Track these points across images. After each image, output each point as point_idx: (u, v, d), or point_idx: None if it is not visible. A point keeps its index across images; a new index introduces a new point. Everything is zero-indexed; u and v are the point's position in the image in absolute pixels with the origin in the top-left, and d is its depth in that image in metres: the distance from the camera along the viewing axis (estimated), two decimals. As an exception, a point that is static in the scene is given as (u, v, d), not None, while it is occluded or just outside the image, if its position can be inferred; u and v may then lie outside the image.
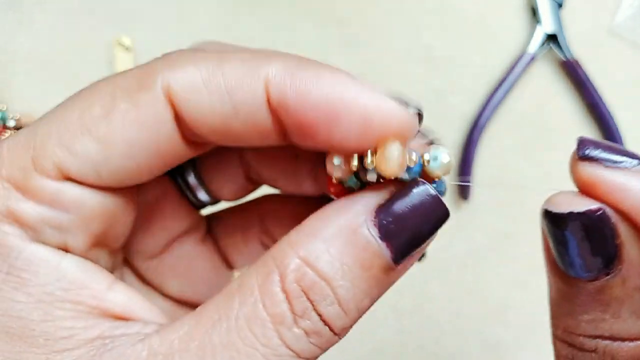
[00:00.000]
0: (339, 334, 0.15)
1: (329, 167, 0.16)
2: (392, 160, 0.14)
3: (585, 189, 0.14)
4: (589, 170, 0.14)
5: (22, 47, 0.36)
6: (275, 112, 0.15)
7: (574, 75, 0.41)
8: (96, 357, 0.14)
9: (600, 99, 0.40)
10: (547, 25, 0.40)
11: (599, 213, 0.14)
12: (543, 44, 0.41)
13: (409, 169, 0.15)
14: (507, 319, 0.39)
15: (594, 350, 0.15)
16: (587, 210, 0.14)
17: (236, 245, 0.22)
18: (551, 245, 0.15)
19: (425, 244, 0.15)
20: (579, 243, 0.14)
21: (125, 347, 0.15)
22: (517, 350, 0.39)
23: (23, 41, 0.36)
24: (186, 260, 0.21)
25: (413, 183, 0.15)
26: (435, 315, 0.38)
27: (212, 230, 0.23)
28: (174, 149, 0.16)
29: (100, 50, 0.36)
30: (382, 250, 0.14)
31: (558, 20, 0.41)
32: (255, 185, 0.21)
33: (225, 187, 0.21)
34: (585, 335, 0.15)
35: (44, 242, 0.15)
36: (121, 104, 0.15)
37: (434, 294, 0.38)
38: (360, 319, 0.39)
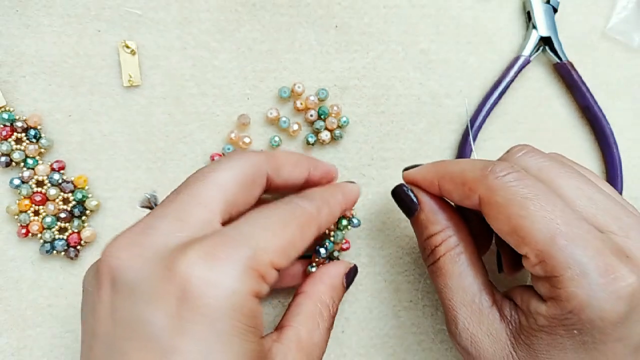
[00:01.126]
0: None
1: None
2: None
3: (405, 179, 0.33)
4: (404, 173, 0.33)
5: (28, 50, 0.37)
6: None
7: (568, 77, 0.41)
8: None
9: (594, 101, 0.41)
10: (541, 29, 0.41)
11: (403, 186, 0.33)
12: (537, 47, 0.41)
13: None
14: (502, 316, 0.39)
15: (425, 247, 0.32)
16: (398, 186, 0.33)
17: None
18: (399, 206, 0.33)
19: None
20: (403, 200, 0.33)
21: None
22: (511, 346, 0.39)
23: (29, 44, 0.37)
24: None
25: (353, 266, 0.34)
26: (433, 311, 0.39)
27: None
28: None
29: (106, 54, 0.37)
30: (344, 289, 0.33)
31: (552, 24, 0.41)
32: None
33: None
34: (422, 241, 0.32)
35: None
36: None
37: (432, 290, 0.39)
38: (359, 316, 0.41)
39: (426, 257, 0.32)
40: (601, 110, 0.41)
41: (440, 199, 0.31)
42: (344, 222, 0.35)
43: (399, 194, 0.32)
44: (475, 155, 0.40)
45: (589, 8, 0.43)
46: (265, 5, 0.39)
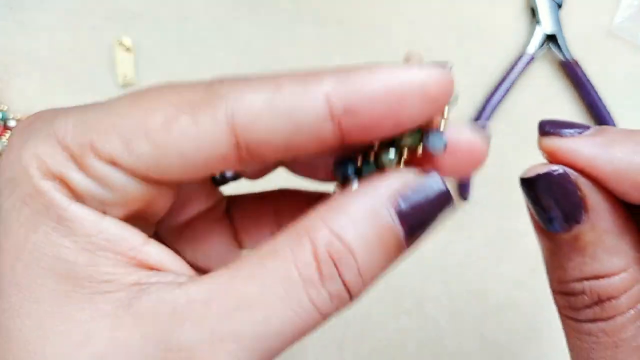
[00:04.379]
0: (353, 298, 0.17)
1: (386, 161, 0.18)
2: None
3: (549, 157, 0.18)
4: (548, 142, 0.18)
5: (22, 48, 0.36)
6: (338, 121, 0.16)
7: (573, 75, 0.41)
8: (135, 300, 0.16)
9: (599, 99, 0.41)
10: (546, 26, 0.41)
11: (559, 172, 0.17)
12: (542, 44, 0.41)
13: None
14: (507, 319, 0.39)
15: (583, 292, 0.18)
16: (549, 170, 0.17)
17: (249, 230, 0.24)
18: (531, 208, 0.18)
19: (431, 228, 0.17)
20: (550, 199, 0.17)
21: (163, 292, 0.17)
22: (516, 350, 0.39)
23: (24, 42, 0.36)
24: (202, 234, 0.23)
25: (428, 176, 0.17)
26: (435, 314, 0.38)
27: (230, 210, 0.24)
28: (225, 165, 0.18)
29: (101, 51, 0.37)
30: (398, 230, 0.17)
31: (557, 21, 0.41)
32: (274, 166, 0.23)
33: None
34: (573, 280, 0.18)
35: (87, 205, 0.17)
36: (182, 118, 0.16)
37: (434, 294, 0.38)
38: (359, 320, 0.40)
39: (577, 306, 0.19)
40: (606, 108, 0.41)
41: (620, 204, 0.18)
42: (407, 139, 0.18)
43: (551, 187, 0.18)
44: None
45: (594, 5, 0.43)
46: (264, 0, 0.38)
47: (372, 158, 0.18)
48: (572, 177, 0.17)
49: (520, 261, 0.39)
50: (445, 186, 0.17)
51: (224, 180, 0.23)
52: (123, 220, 0.18)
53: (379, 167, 0.18)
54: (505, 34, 0.41)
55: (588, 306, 0.18)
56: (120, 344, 0.16)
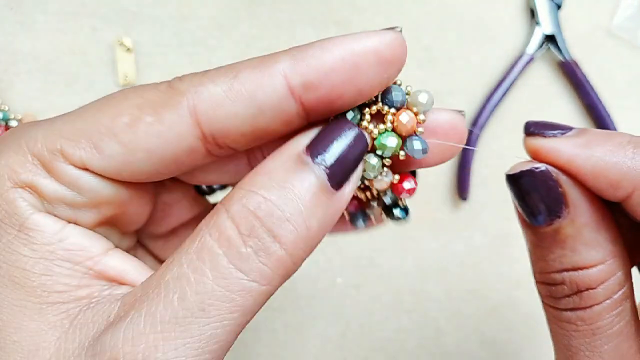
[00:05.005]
0: (289, 250, 0.16)
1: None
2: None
3: (533, 156, 0.19)
4: (532, 142, 0.19)
5: (23, 48, 0.36)
6: (300, 97, 0.17)
7: (572, 76, 0.41)
8: (80, 313, 0.17)
9: (599, 99, 0.40)
10: (545, 26, 0.40)
11: (541, 169, 0.18)
12: (541, 44, 0.41)
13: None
14: (506, 319, 0.39)
15: (563, 282, 0.19)
16: (532, 168, 0.18)
17: None
18: (516, 203, 0.19)
19: (354, 172, 0.17)
20: (532, 195, 0.18)
21: (103, 305, 0.17)
22: (516, 349, 0.39)
23: (24, 42, 0.36)
24: None
25: (335, 118, 0.18)
26: (434, 314, 0.38)
27: None
28: (194, 159, 0.18)
29: (102, 51, 0.37)
30: (318, 172, 0.17)
31: (556, 21, 0.41)
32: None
33: (231, 172, 0.22)
34: (553, 271, 0.19)
35: (55, 215, 0.17)
36: (146, 117, 0.17)
37: (434, 293, 0.38)
38: (360, 318, 0.40)
39: (557, 295, 0.20)
40: (605, 109, 0.41)
41: (599, 200, 0.19)
42: (390, 138, 0.18)
43: (534, 183, 0.18)
44: (477, 154, 0.40)
45: (594, 5, 0.43)
46: (264, 1, 0.38)
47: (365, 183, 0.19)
48: (554, 174, 0.18)
49: (520, 261, 0.39)
50: (353, 124, 0.17)
51: (211, 190, 0.23)
52: (98, 226, 0.18)
53: (367, 186, 0.19)
54: (504, 34, 0.41)
55: (567, 296, 0.19)
56: (63, 356, 0.16)
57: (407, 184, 0.19)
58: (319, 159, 0.17)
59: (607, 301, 0.19)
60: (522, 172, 0.18)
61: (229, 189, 0.23)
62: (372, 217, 0.20)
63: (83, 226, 0.18)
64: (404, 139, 0.18)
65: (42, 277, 0.17)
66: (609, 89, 0.42)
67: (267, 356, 0.36)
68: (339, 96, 0.17)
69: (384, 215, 0.20)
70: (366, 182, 0.19)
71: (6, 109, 0.35)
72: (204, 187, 0.23)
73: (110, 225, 0.19)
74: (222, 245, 0.16)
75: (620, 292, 0.19)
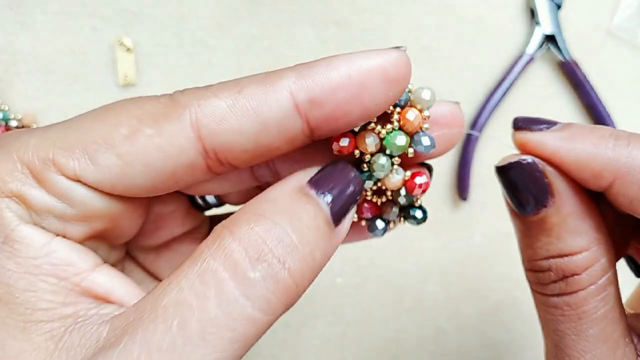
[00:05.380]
0: (296, 279, 0.16)
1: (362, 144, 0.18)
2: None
3: (521, 149, 0.20)
4: (520, 135, 0.20)
5: (23, 48, 0.36)
6: (304, 113, 0.17)
7: (572, 76, 0.41)
8: (66, 334, 0.16)
9: (598, 99, 0.41)
10: (545, 26, 0.40)
11: (528, 161, 0.19)
12: (541, 44, 0.41)
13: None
14: (506, 319, 0.39)
15: (549, 269, 0.20)
16: (519, 160, 0.19)
17: None
18: (505, 193, 0.20)
19: (351, 207, 0.18)
20: (520, 185, 0.19)
21: (91, 326, 0.16)
22: (516, 349, 0.39)
23: (25, 42, 0.36)
24: (183, 257, 0.22)
25: (335, 161, 0.18)
26: (434, 314, 0.38)
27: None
28: (194, 175, 0.17)
29: (102, 51, 0.37)
30: (323, 205, 0.17)
31: (556, 21, 0.41)
32: (262, 189, 0.22)
33: (233, 191, 0.22)
34: (540, 259, 0.20)
35: (43, 227, 0.17)
36: (146, 129, 0.16)
37: (433, 293, 0.38)
38: (360, 319, 0.40)
39: (544, 281, 0.20)
40: (605, 109, 0.41)
41: (583, 191, 0.20)
42: (398, 137, 0.18)
43: (521, 174, 0.19)
44: (477, 154, 0.40)
45: (594, 5, 0.43)
46: (264, 1, 0.38)
47: (366, 168, 0.19)
48: (540, 165, 0.19)
49: (519, 261, 0.39)
50: (350, 167, 0.18)
51: (207, 205, 0.22)
52: (87, 239, 0.18)
53: (376, 178, 0.19)
54: (504, 34, 0.41)
55: (554, 282, 0.20)
56: None
57: (420, 179, 0.19)
58: (322, 193, 0.17)
59: (592, 287, 0.19)
60: (510, 163, 0.19)
61: (226, 205, 0.23)
62: (389, 222, 0.20)
63: (72, 239, 0.17)
64: (411, 136, 0.18)
65: (26, 293, 0.16)
66: (609, 88, 0.42)
67: (267, 356, 0.36)
68: (344, 113, 0.17)
69: (402, 219, 0.21)
70: (379, 184, 0.19)
71: (6, 108, 0.35)
72: (199, 200, 0.22)
73: (100, 239, 0.19)
74: (228, 269, 0.15)
75: (604, 278, 0.19)
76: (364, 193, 0.20)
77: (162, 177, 0.17)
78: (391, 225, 0.21)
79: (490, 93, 0.40)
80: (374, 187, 0.19)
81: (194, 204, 0.22)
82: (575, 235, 0.19)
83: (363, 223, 0.21)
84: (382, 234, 0.21)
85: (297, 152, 0.20)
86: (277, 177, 0.21)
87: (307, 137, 0.17)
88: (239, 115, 0.16)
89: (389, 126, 0.18)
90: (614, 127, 0.40)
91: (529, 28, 0.41)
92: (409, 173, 0.19)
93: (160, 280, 0.22)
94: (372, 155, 0.19)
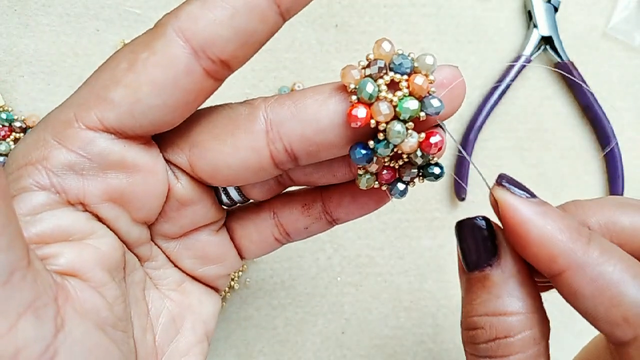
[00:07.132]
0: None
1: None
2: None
3: (495, 205, 0.20)
4: (499, 193, 0.20)
5: (27, 50, 0.36)
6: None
7: (569, 77, 0.41)
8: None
9: (595, 100, 0.41)
10: (542, 28, 0.41)
11: (482, 221, 0.21)
12: (538, 46, 0.41)
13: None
14: (503, 317, 0.39)
15: (483, 327, 0.20)
16: (475, 218, 0.21)
17: (250, 237, 0.24)
18: (458, 249, 0.21)
19: None
20: (470, 242, 0.21)
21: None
22: (512, 347, 0.39)
23: (28, 43, 0.37)
24: (201, 246, 0.24)
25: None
26: (433, 311, 0.38)
27: (228, 221, 0.25)
28: (195, 82, 0.19)
29: (105, 53, 0.37)
30: None
31: (553, 23, 0.41)
32: (284, 187, 0.24)
33: (257, 187, 0.23)
34: (477, 315, 0.20)
35: (64, 187, 0.19)
36: (141, 55, 0.18)
37: (432, 291, 0.39)
38: (359, 317, 0.40)
39: (477, 340, 0.21)
40: (602, 110, 0.41)
41: (526, 266, 0.21)
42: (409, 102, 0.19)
43: (473, 233, 0.21)
44: (474, 155, 0.40)
45: (590, 7, 0.43)
46: (265, 4, 0.39)
47: (382, 137, 0.19)
48: (494, 227, 0.21)
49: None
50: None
51: (232, 202, 0.24)
52: (106, 200, 0.19)
53: (392, 144, 0.20)
54: (501, 36, 0.42)
55: (486, 342, 0.20)
56: None
57: (434, 138, 0.20)
58: None
59: (521, 354, 0.19)
60: (465, 221, 0.21)
61: (250, 202, 0.24)
62: (409, 182, 0.21)
63: (91, 203, 0.19)
64: (421, 100, 0.19)
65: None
66: (605, 90, 0.42)
67: (268, 353, 0.37)
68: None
69: (421, 178, 0.21)
70: (395, 149, 0.20)
71: (10, 110, 0.36)
72: (223, 197, 0.23)
73: (119, 205, 0.20)
74: None
75: (535, 349, 0.20)
76: (382, 160, 0.20)
77: (169, 91, 0.18)
78: (411, 185, 0.21)
79: (488, 94, 0.40)
80: (391, 154, 0.20)
81: (219, 200, 0.24)
82: (513, 297, 0.20)
83: (384, 188, 0.21)
84: (404, 195, 0.21)
85: (316, 164, 0.22)
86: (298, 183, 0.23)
87: (278, 13, 0.18)
88: (210, 8, 0.18)
89: (399, 93, 0.19)
90: (611, 129, 0.41)
91: (526, 30, 0.42)
92: (423, 135, 0.20)
93: (180, 268, 0.24)
94: (386, 123, 0.19)
